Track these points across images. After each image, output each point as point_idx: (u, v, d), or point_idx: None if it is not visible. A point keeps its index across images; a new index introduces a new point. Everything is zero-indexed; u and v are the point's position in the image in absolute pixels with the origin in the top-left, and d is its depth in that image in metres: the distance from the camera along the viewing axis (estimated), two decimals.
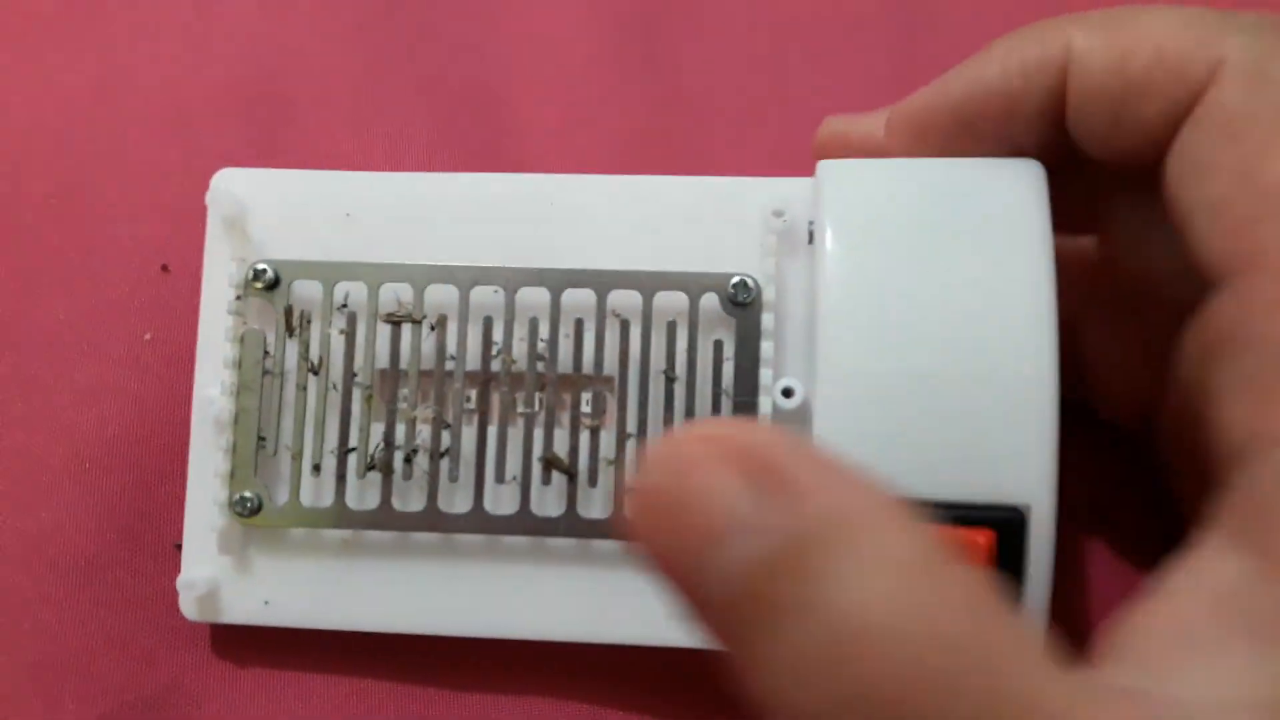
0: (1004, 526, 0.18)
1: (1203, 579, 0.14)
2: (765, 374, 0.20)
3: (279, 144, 0.26)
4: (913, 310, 0.18)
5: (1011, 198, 0.19)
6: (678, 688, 0.22)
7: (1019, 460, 0.18)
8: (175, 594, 0.21)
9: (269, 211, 0.22)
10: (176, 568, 0.21)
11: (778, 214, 0.20)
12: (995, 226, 0.18)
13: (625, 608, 0.20)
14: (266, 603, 0.21)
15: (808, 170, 0.21)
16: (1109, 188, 0.20)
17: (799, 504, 0.12)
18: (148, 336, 0.24)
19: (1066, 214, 0.19)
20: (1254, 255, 0.15)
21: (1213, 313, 0.16)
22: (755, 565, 0.12)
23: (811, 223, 0.20)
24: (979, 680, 0.12)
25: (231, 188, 0.22)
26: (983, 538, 0.17)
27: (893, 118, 0.20)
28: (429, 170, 0.25)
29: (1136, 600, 0.14)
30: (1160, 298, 0.19)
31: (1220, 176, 0.16)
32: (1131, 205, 0.19)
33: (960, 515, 0.18)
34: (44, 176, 0.25)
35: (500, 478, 0.20)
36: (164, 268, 0.24)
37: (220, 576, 0.21)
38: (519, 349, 0.21)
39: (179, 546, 0.22)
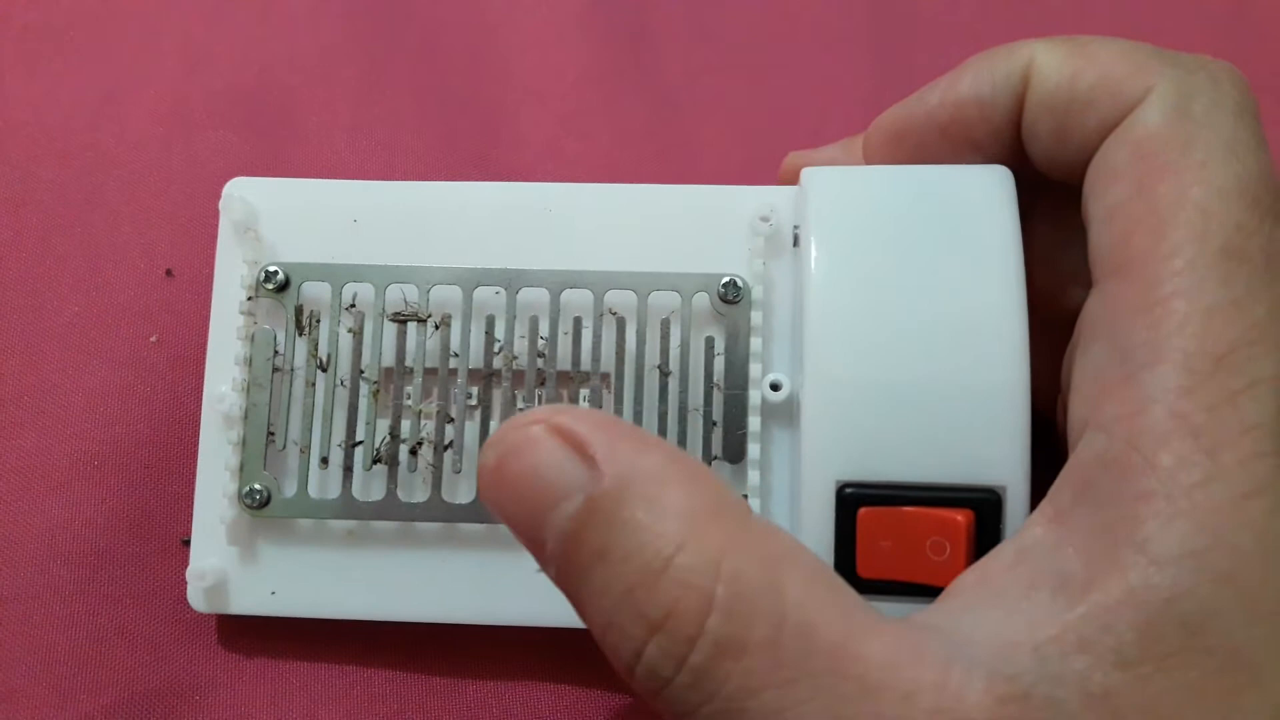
0: (982, 506, 0.19)
1: (1016, 541, 0.16)
2: (754, 368, 0.21)
3: (279, 153, 0.26)
4: (893, 307, 0.19)
5: (983, 201, 0.20)
6: None
7: (994, 445, 0.19)
8: (182, 587, 0.22)
9: (278, 218, 0.23)
10: (183, 562, 0.22)
11: (764, 219, 0.22)
12: (968, 227, 0.20)
13: None
14: (273, 593, 0.22)
15: (790, 180, 0.22)
16: (1039, 201, 0.21)
17: (595, 468, 0.15)
18: (153, 339, 0.25)
19: None
20: (1127, 260, 0.16)
21: (1084, 311, 0.18)
22: (572, 522, 0.15)
23: (796, 227, 0.21)
24: (764, 614, 0.14)
25: (243, 195, 0.22)
26: (962, 517, 0.18)
27: (873, 127, 0.21)
28: (425, 177, 0.26)
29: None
30: (1062, 307, 0.20)
31: (1121, 186, 0.17)
32: (1052, 220, 0.21)
33: (941, 497, 0.19)
34: (50, 186, 0.26)
35: None
36: (168, 273, 0.25)
37: (228, 568, 0.22)
38: (520, 346, 0.22)
39: (186, 542, 0.22)
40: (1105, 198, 0.17)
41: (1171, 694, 0.14)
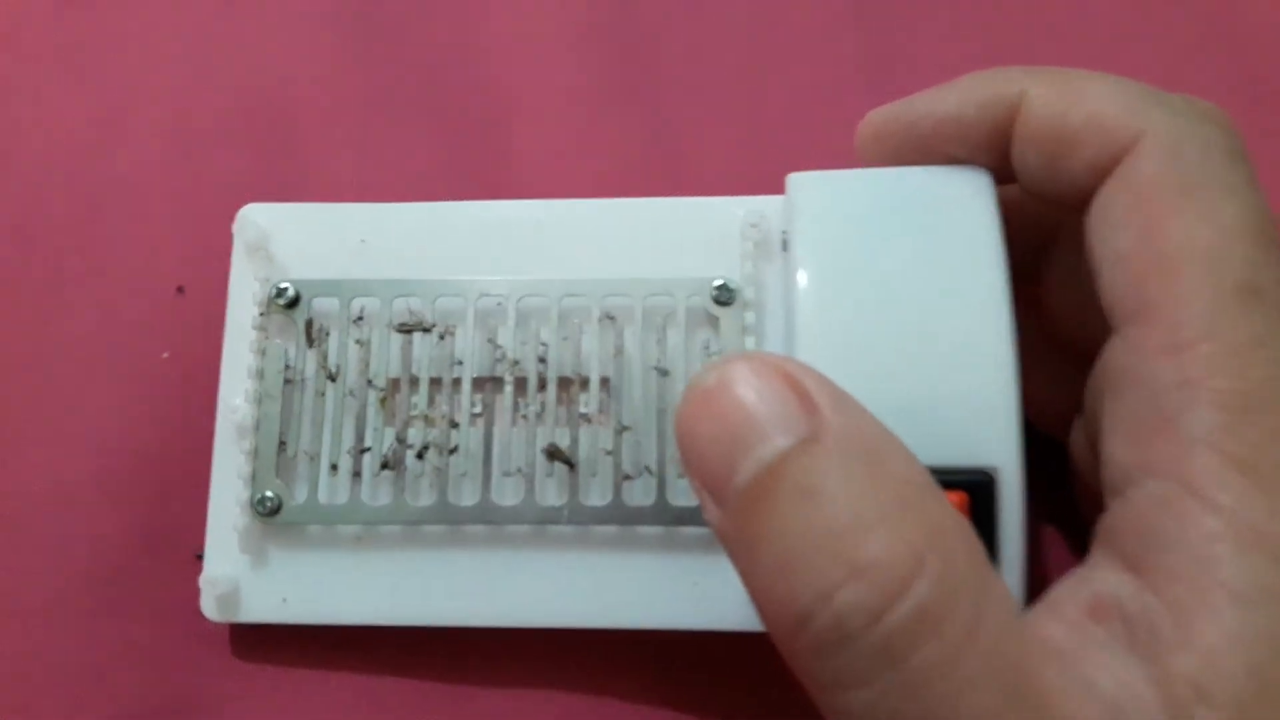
0: (975, 489, 0.19)
1: (1086, 588, 0.16)
2: None
3: (285, 172, 0.27)
4: (881, 301, 0.20)
5: (964, 198, 0.21)
6: (679, 669, 0.23)
7: (985, 427, 0.19)
8: (195, 601, 0.22)
9: (289, 241, 0.24)
10: (196, 576, 0.22)
11: (753, 225, 0.22)
12: (951, 224, 0.20)
13: (627, 592, 0.22)
14: (284, 600, 0.22)
15: (780, 190, 0.23)
16: (1050, 229, 0.22)
17: (817, 415, 0.15)
18: (166, 355, 0.26)
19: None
20: (1145, 307, 0.17)
21: (1108, 355, 0.18)
22: (780, 457, 0.14)
23: (784, 231, 0.22)
24: (968, 603, 0.14)
25: (255, 219, 0.23)
26: (956, 498, 0.19)
27: (862, 125, 0.22)
28: (429, 195, 0.27)
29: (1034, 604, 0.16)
30: (1082, 332, 0.20)
31: (1127, 233, 0.17)
32: (1071, 247, 0.21)
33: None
34: (62, 205, 0.27)
35: (506, 471, 0.22)
36: (179, 290, 0.26)
37: (240, 575, 0.22)
38: (521, 353, 0.22)
39: (199, 556, 0.23)
40: (1111, 244, 0.18)
41: None
